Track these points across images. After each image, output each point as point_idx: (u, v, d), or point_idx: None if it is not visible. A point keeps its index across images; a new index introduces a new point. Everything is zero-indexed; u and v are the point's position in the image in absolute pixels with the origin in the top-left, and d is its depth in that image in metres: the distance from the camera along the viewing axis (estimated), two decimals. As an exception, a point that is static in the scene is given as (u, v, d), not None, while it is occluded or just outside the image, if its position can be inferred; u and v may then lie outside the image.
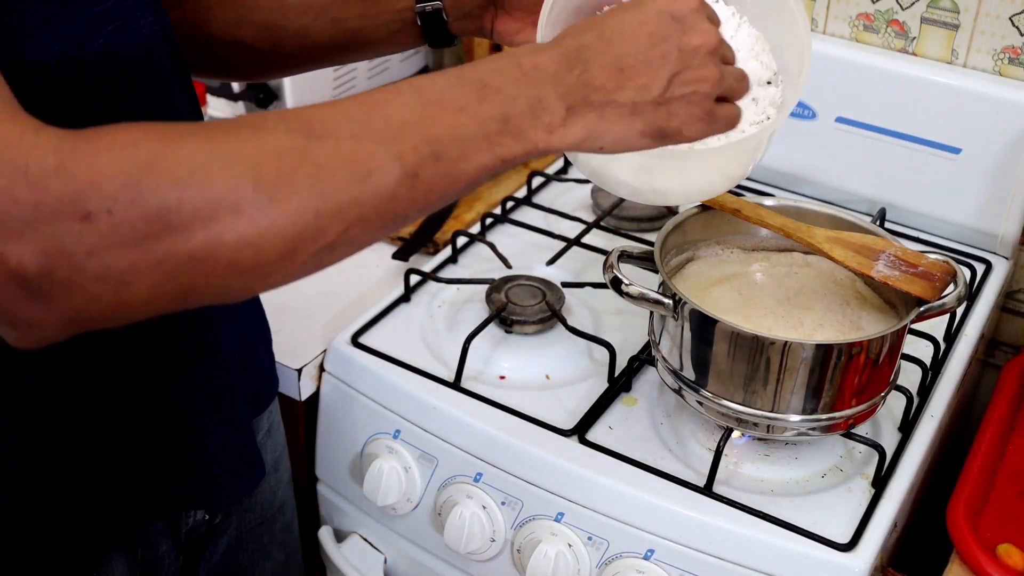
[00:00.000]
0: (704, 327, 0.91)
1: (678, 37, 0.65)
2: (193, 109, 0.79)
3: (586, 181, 1.37)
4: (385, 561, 1.15)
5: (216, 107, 1.40)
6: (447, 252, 1.25)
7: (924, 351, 1.10)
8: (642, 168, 0.78)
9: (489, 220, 1.30)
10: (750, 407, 0.92)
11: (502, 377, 1.08)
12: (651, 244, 0.97)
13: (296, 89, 1.33)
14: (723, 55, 0.68)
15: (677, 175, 0.81)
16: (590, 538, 0.97)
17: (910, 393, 1.03)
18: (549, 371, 1.09)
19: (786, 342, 0.89)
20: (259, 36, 0.86)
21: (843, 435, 0.97)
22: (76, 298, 0.52)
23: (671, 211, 1.30)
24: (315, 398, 1.14)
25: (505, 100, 0.61)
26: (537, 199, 1.37)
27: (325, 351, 1.13)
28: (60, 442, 0.75)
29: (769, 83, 0.82)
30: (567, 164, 1.43)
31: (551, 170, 1.42)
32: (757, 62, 0.81)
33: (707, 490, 0.95)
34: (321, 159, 0.56)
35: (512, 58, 0.63)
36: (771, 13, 0.82)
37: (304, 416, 1.15)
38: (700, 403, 0.95)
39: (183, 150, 0.54)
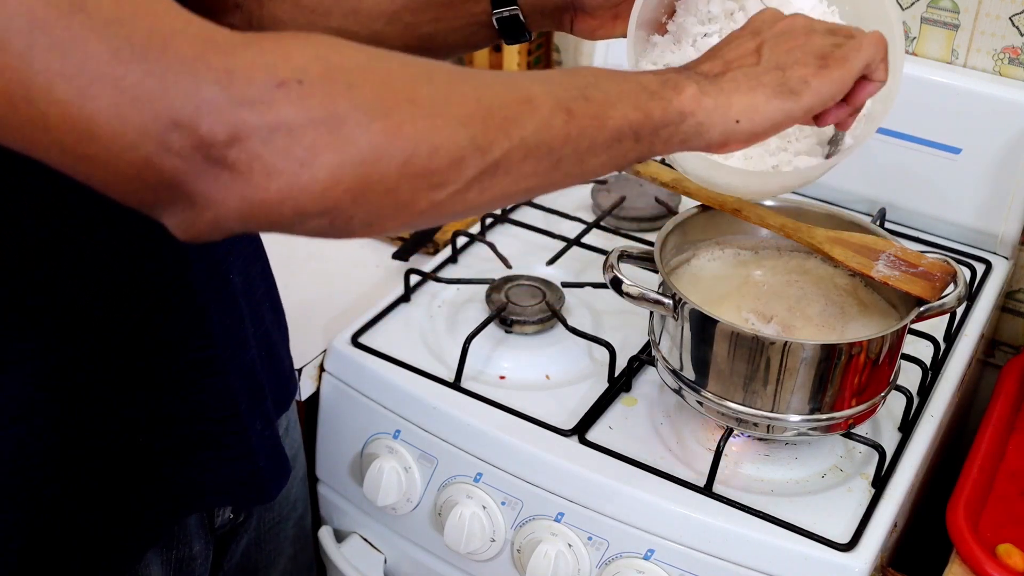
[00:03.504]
0: (704, 327, 0.91)
1: (763, 30, 0.71)
2: None
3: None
4: (385, 561, 1.15)
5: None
6: (447, 252, 1.25)
7: (924, 351, 1.10)
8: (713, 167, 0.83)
9: (489, 220, 1.31)
10: (750, 407, 0.92)
11: (502, 377, 1.08)
12: (651, 244, 0.97)
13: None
14: (822, 27, 0.71)
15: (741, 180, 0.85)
16: (590, 538, 0.97)
17: (910, 393, 1.03)
18: (549, 371, 1.09)
19: (786, 342, 0.89)
20: None
21: (843, 435, 0.97)
22: (257, 174, 0.51)
23: (671, 211, 1.31)
24: (315, 398, 1.14)
25: (636, 77, 0.66)
26: (537, 199, 1.37)
27: (325, 351, 1.13)
28: (101, 439, 0.75)
29: None
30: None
31: (551, 170, 1.42)
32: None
33: (707, 490, 0.95)
34: (485, 80, 0.59)
35: (631, 72, 0.69)
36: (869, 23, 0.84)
37: (304, 416, 1.15)
38: (700, 403, 0.95)
39: (360, 46, 0.56)
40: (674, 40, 0.85)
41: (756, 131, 0.67)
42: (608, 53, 1.43)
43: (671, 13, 0.86)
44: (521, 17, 0.85)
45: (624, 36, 0.86)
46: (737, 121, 0.66)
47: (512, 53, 1.51)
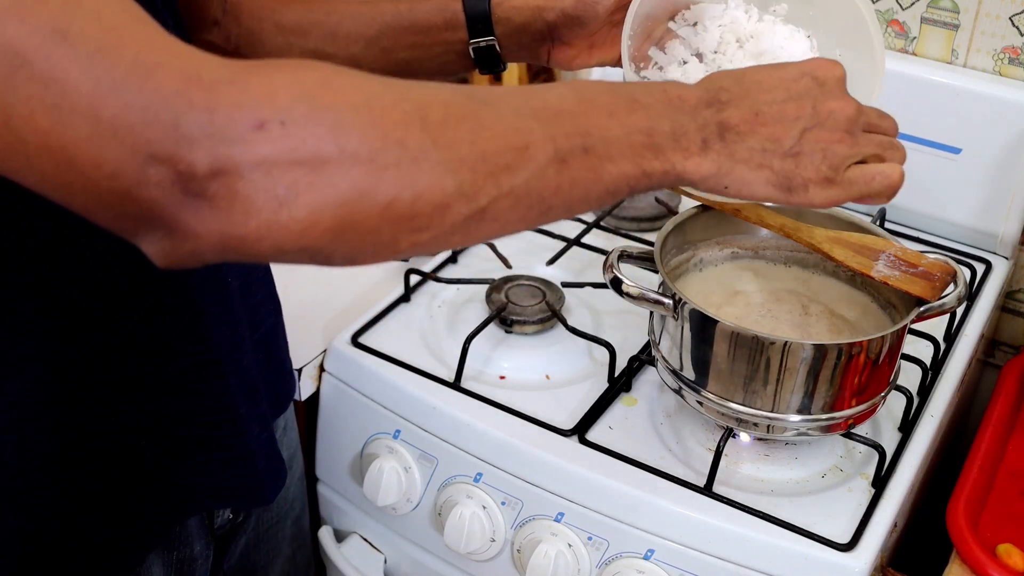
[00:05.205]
0: (704, 327, 0.91)
1: (815, 97, 0.67)
2: None
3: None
4: (385, 561, 1.15)
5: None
6: (447, 252, 1.25)
7: (924, 351, 1.10)
8: None
9: (489, 220, 1.30)
10: (750, 407, 0.92)
11: (502, 377, 1.08)
12: (651, 244, 0.97)
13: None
14: (866, 123, 0.69)
15: None
16: (590, 538, 0.97)
17: (910, 393, 1.03)
18: (549, 371, 1.09)
19: (786, 342, 0.89)
20: None
21: (843, 435, 0.97)
22: (236, 210, 0.51)
23: (671, 211, 1.31)
24: (315, 398, 1.14)
25: (651, 117, 0.63)
26: (537, 199, 1.36)
27: (325, 351, 1.13)
28: (101, 442, 0.75)
29: None
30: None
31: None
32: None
33: (707, 490, 0.95)
34: (484, 120, 0.57)
35: (659, 86, 0.66)
36: (848, 39, 0.84)
37: (304, 416, 1.15)
38: (700, 403, 0.95)
39: (357, 80, 0.54)
40: (659, 66, 0.86)
41: (737, 197, 0.67)
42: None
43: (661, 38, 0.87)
44: (497, 48, 0.85)
45: (600, 64, 0.87)
46: (726, 187, 0.66)
47: (512, 54, 1.51)
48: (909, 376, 1.05)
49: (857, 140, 0.68)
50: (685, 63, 0.84)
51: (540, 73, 1.55)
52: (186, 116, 0.50)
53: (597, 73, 1.43)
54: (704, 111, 0.65)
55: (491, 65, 0.87)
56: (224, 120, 0.50)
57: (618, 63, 0.86)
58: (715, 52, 0.84)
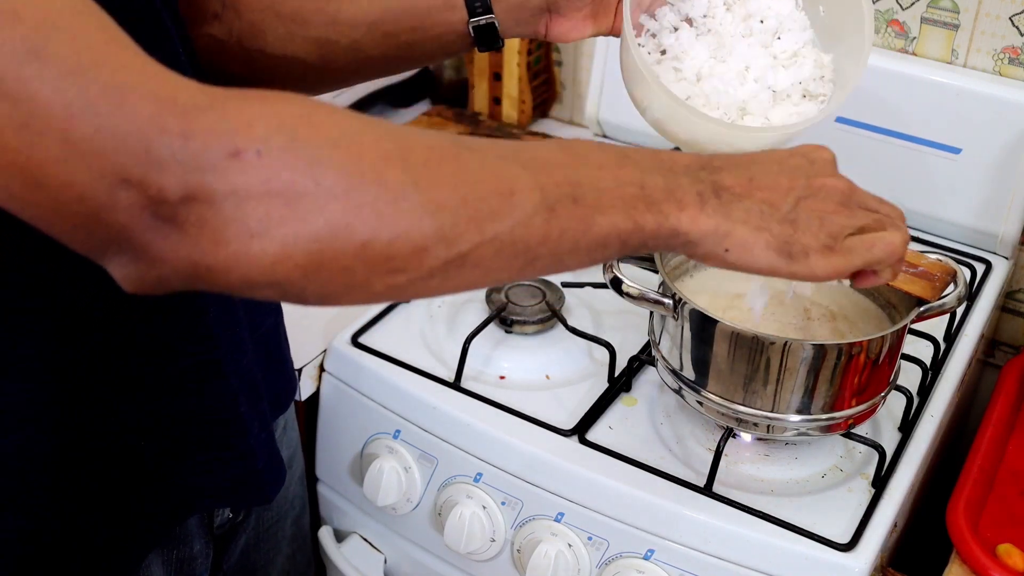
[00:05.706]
0: (704, 327, 0.91)
1: (808, 174, 0.67)
2: None
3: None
4: (385, 561, 1.15)
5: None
6: (447, 252, 1.25)
7: (924, 351, 1.10)
8: (684, 125, 0.82)
9: (489, 220, 1.30)
10: (750, 407, 0.92)
11: (502, 377, 1.08)
12: (651, 244, 0.97)
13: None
14: (860, 202, 0.69)
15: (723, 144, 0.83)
16: (590, 538, 0.97)
17: (910, 393, 1.03)
18: (549, 371, 1.09)
19: (786, 342, 0.89)
20: (311, 51, 0.86)
21: (843, 435, 0.97)
22: (205, 238, 0.50)
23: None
24: (315, 398, 1.14)
25: (643, 171, 0.62)
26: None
27: (325, 351, 1.13)
28: (101, 441, 0.75)
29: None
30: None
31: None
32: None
33: (707, 490, 0.95)
34: (468, 164, 0.56)
35: (649, 149, 0.65)
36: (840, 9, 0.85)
37: (304, 416, 1.15)
38: (700, 403, 0.95)
39: (336, 115, 0.54)
40: (652, 33, 0.86)
41: (738, 267, 0.65)
42: (608, 50, 1.43)
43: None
44: (497, 25, 0.85)
45: (596, 34, 0.88)
46: (726, 250, 0.64)
47: (512, 52, 1.51)
48: (909, 376, 1.05)
49: (853, 212, 0.68)
50: (677, 29, 0.85)
51: (540, 46, 1.55)
52: (158, 141, 0.49)
53: (600, 45, 1.43)
54: (698, 171, 0.64)
55: (490, 43, 0.87)
56: (198, 146, 0.49)
57: (611, 33, 0.87)
58: (704, 16, 0.85)
